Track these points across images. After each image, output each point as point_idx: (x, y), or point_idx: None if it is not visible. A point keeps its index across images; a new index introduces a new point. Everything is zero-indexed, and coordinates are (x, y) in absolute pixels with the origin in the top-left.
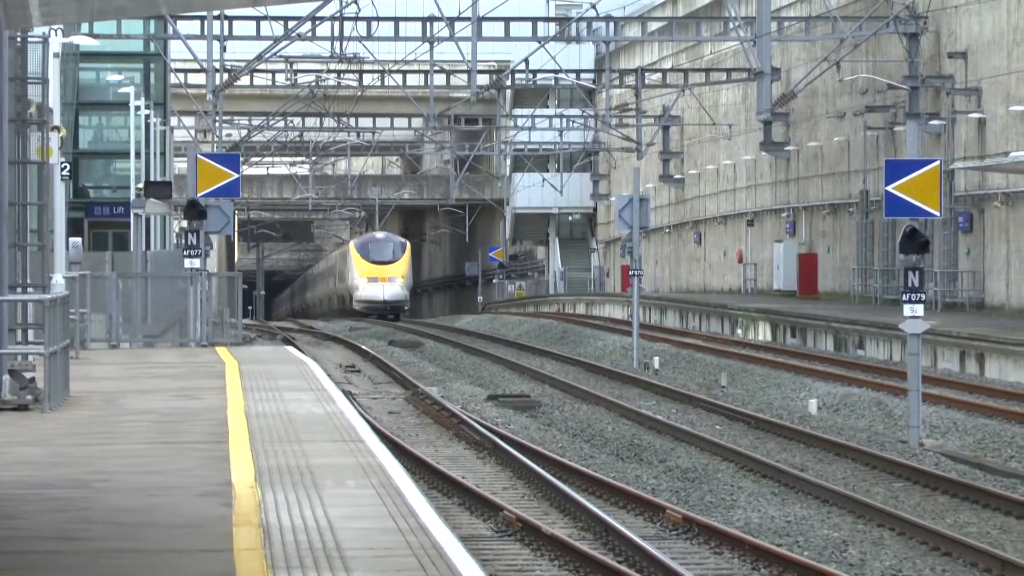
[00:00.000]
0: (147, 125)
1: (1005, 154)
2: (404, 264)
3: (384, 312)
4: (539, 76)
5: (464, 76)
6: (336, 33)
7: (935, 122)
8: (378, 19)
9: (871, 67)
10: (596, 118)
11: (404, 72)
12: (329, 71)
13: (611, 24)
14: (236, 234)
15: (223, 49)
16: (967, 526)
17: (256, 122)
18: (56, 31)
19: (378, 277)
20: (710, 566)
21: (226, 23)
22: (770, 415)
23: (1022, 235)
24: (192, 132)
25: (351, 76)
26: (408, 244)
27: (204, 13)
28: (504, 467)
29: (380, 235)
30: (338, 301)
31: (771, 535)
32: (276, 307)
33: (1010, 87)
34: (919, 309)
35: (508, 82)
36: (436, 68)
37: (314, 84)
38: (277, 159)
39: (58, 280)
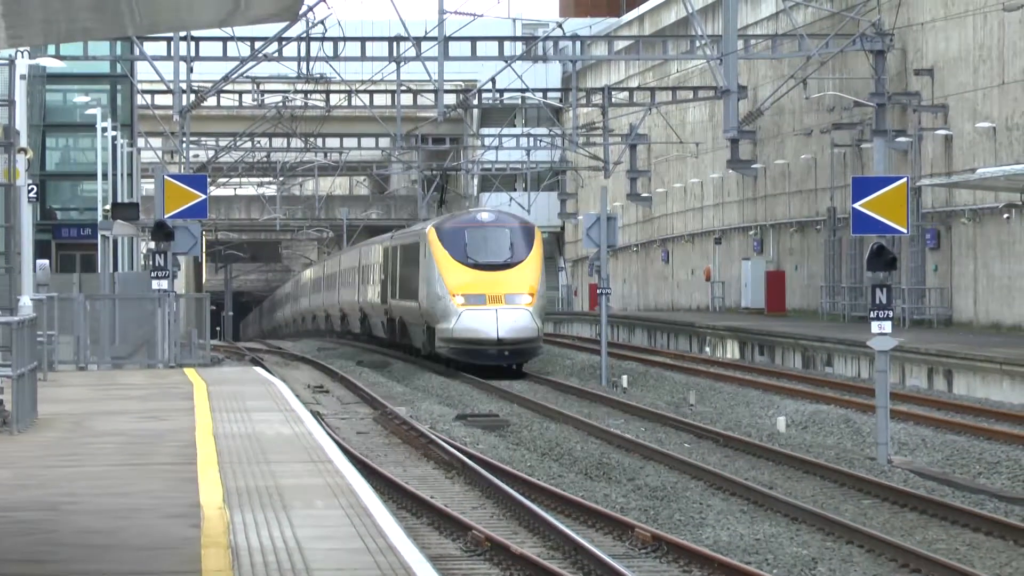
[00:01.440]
0: (114, 146)
1: (972, 171)
2: (532, 270)
3: (498, 361)
4: (506, 95)
5: (431, 96)
6: (303, 53)
7: (902, 139)
8: (344, 39)
9: (838, 84)
10: (563, 137)
11: (371, 92)
12: (296, 91)
13: (577, 43)
14: (204, 255)
15: (190, 70)
16: (936, 543)
17: (223, 143)
18: (22, 53)
19: (486, 295)
20: None
21: (193, 44)
22: (739, 433)
23: (989, 252)
24: (159, 153)
25: (318, 96)
26: (537, 232)
27: (171, 34)
28: (473, 487)
29: (486, 215)
30: (387, 328)
31: (740, 553)
32: (246, 327)
33: (976, 104)
34: (887, 326)
35: (475, 101)
36: (403, 88)
37: (281, 104)
38: (244, 180)
39: (26, 302)
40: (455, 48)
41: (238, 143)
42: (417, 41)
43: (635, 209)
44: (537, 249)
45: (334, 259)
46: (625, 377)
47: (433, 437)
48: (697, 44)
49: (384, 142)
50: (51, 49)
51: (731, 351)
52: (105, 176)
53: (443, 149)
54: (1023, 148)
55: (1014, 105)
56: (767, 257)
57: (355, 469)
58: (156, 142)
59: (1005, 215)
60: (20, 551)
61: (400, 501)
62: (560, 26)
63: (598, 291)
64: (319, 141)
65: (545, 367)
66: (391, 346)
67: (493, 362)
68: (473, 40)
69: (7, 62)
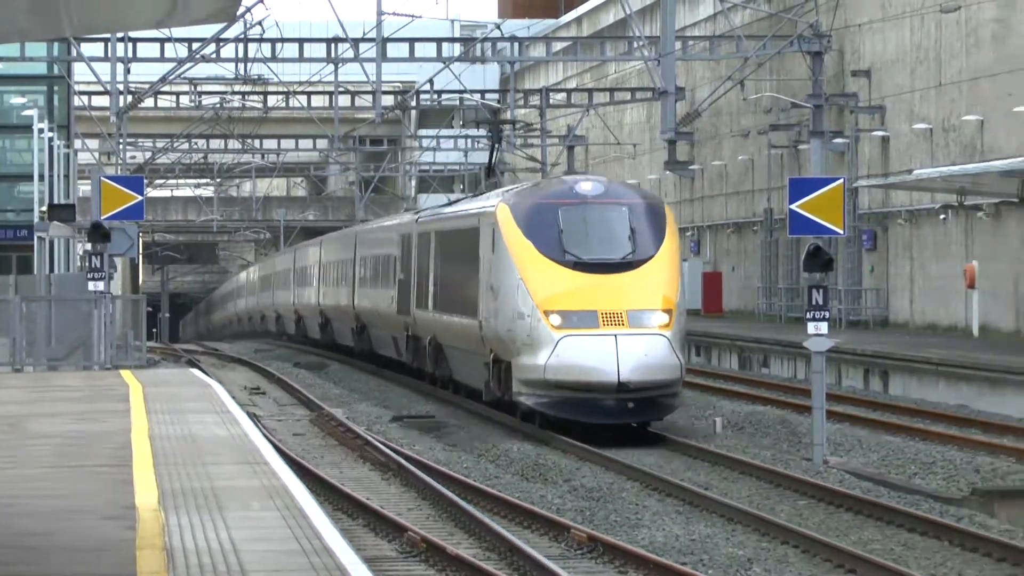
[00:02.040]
0: (51, 148)
1: (909, 172)
2: (668, 271)
3: (619, 418)
4: (444, 97)
5: (369, 97)
6: (240, 54)
7: (839, 140)
8: (282, 40)
9: (775, 86)
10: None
11: (309, 93)
12: (234, 92)
13: (516, 44)
14: (140, 256)
15: (127, 71)
16: (871, 543)
17: (160, 144)
18: None
19: (598, 313)
20: None
21: (130, 45)
22: (675, 434)
23: (926, 253)
24: (96, 154)
25: (256, 97)
26: (668, 212)
27: (108, 35)
28: (409, 488)
29: (589, 185)
30: (410, 344)
31: (676, 554)
32: (184, 328)
33: (913, 105)
34: (823, 327)
35: (413, 103)
36: (341, 89)
37: (218, 106)
38: (181, 181)
39: None
40: (393, 49)
41: (175, 144)
42: (355, 42)
43: None
44: (672, 239)
45: (286, 256)
46: None
47: (369, 439)
48: (635, 45)
49: (322, 143)
50: None
51: None
52: (42, 177)
53: (381, 150)
54: (960, 149)
55: (951, 106)
56: (704, 258)
57: (291, 471)
58: (93, 143)
59: (941, 216)
60: None
61: (336, 503)
62: (498, 27)
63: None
64: (256, 142)
65: None
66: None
67: (610, 419)
68: (411, 41)
69: None
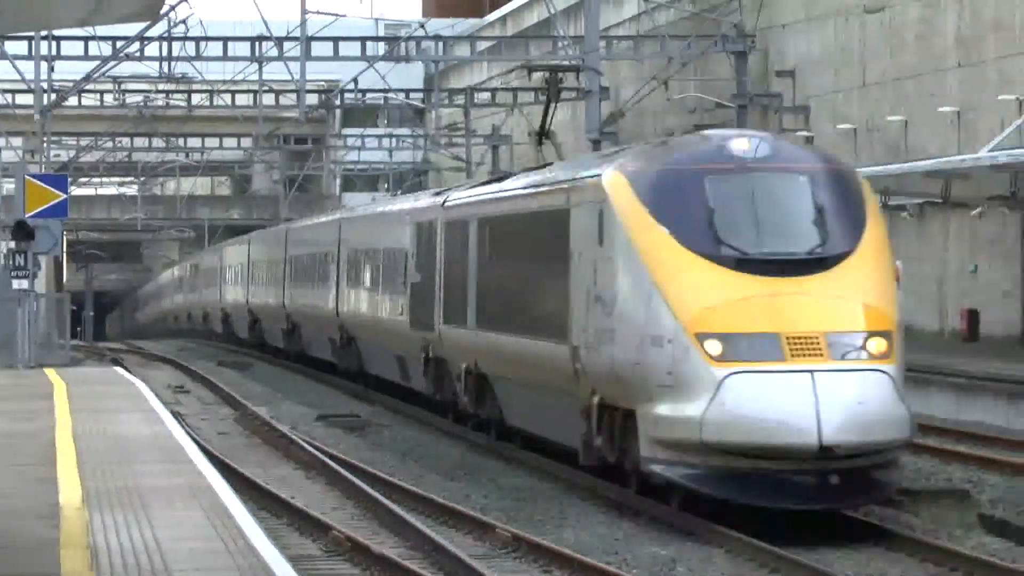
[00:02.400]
0: None
1: None
2: (878, 271)
3: (820, 501)
4: (368, 96)
5: (293, 96)
6: (164, 53)
7: None
8: (207, 39)
9: (699, 86)
10: (426, 137)
11: (233, 92)
12: (158, 91)
13: (440, 44)
14: (64, 255)
15: (51, 69)
16: (795, 544)
17: (85, 142)
18: None
19: (780, 337)
20: None
21: (54, 43)
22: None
23: None
24: (20, 152)
25: (180, 96)
26: (866, 185)
27: (32, 33)
28: (333, 487)
29: (746, 142)
30: (431, 370)
31: (599, 553)
32: (112, 326)
33: (837, 105)
34: None
35: (337, 102)
36: (265, 88)
37: (143, 104)
38: (105, 179)
39: None
40: (317, 48)
41: (99, 143)
42: (279, 41)
43: None
44: (877, 224)
45: (233, 249)
46: None
47: (294, 437)
48: (559, 45)
49: (246, 142)
50: None
51: None
52: None
53: (305, 149)
54: (884, 150)
55: (874, 107)
56: None
57: (215, 470)
58: (17, 141)
59: None
60: None
61: (260, 501)
62: (422, 26)
63: None
64: (181, 141)
65: None
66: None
67: (806, 503)
68: (335, 40)
69: None
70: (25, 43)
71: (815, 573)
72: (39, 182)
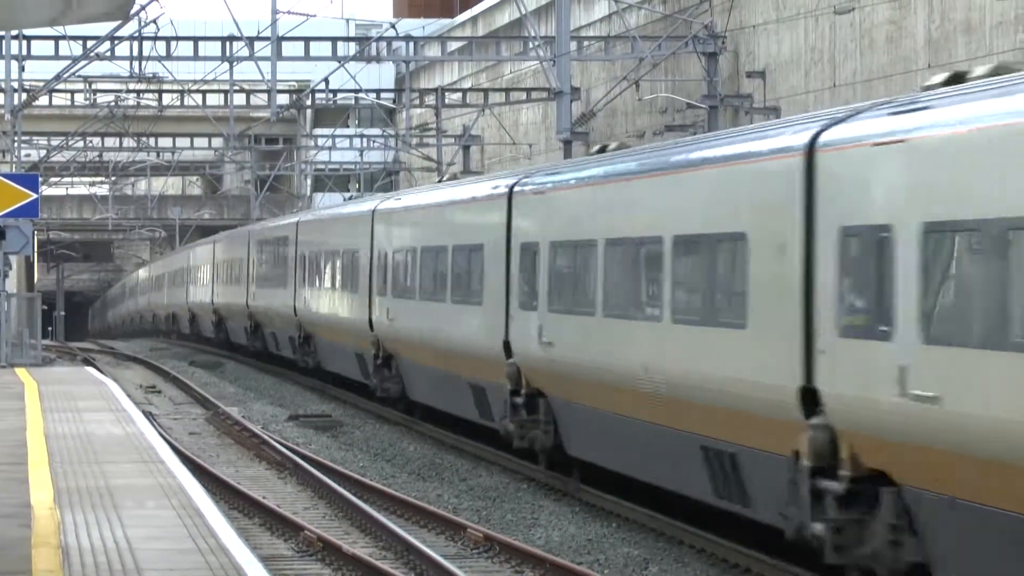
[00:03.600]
0: None
1: None
2: None
3: None
4: (339, 96)
5: (264, 96)
6: (135, 53)
7: None
8: (177, 39)
9: (670, 86)
10: (397, 138)
11: (204, 92)
12: (128, 91)
13: (411, 44)
14: (35, 254)
15: (21, 69)
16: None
17: (55, 142)
18: None
19: None
20: None
21: (24, 43)
22: None
23: None
24: None
25: (151, 96)
26: None
27: (2, 33)
28: (305, 487)
29: None
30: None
31: (571, 553)
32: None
33: (808, 106)
34: None
35: (308, 102)
36: (236, 88)
37: (113, 104)
38: (76, 179)
39: None
40: (288, 48)
41: (70, 142)
42: (250, 41)
43: None
44: None
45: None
46: None
47: (265, 437)
48: (530, 45)
49: (217, 142)
50: None
51: None
52: None
53: (276, 149)
54: None
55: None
56: None
57: (187, 469)
58: None
59: None
60: None
61: (232, 501)
62: (393, 27)
63: None
64: (152, 141)
65: None
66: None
67: None
68: (306, 40)
69: None
70: None
71: (786, 574)
72: (10, 182)
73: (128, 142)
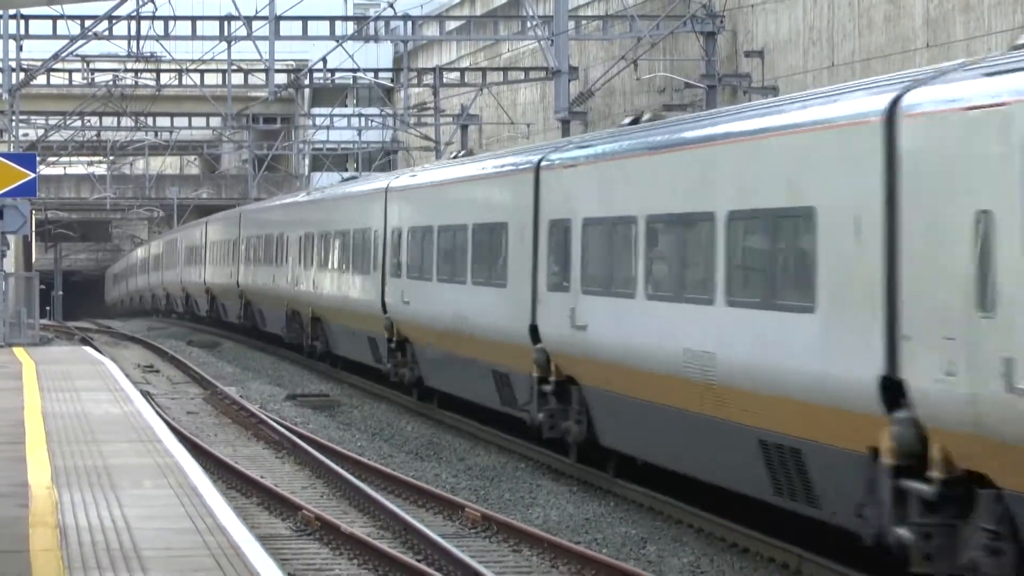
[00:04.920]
0: None
1: None
2: None
3: None
4: (337, 75)
5: (262, 75)
6: (133, 32)
7: None
8: (175, 18)
9: (668, 66)
10: (394, 117)
11: (202, 71)
12: (126, 70)
13: (409, 23)
14: (33, 234)
15: (19, 48)
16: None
17: (53, 121)
18: None
19: None
20: (509, 563)
21: (22, 22)
22: None
23: None
24: None
25: (148, 75)
26: None
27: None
28: (303, 466)
29: None
30: None
31: (569, 533)
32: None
33: (806, 85)
34: None
35: (306, 81)
36: (234, 67)
37: (111, 83)
38: (74, 159)
39: None
40: (286, 27)
41: (68, 122)
42: (248, 20)
43: None
44: None
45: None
46: None
47: (263, 417)
48: (528, 25)
49: (215, 122)
50: None
51: None
52: None
53: (274, 129)
54: None
55: None
56: None
57: (184, 449)
58: None
59: None
60: None
61: (230, 481)
62: (391, 6)
63: None
64: (149, 120)
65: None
66: None
67: None
68: (304, 20)
69: None
70: None
71: (784, 552)
72: (8, 161)
73: (126, 121)
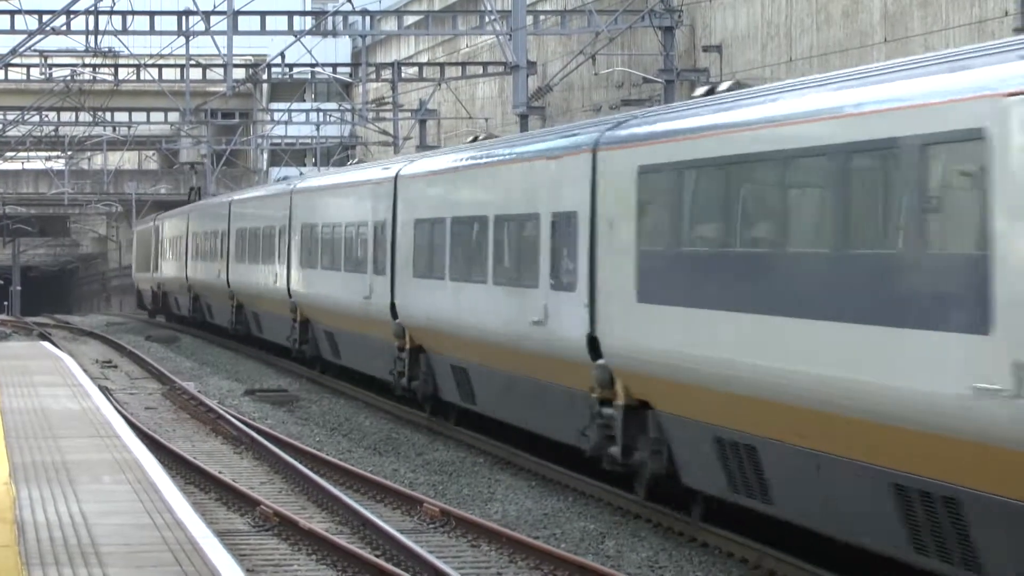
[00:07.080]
0: None
1: None
2: None
3: None
4: (296, 70)
5: (220, 70)
6: (91, 27)
7: None
8: (133, 13)
9: (627, 61)
10: (353, 112)
11: (160, 66)
12: (84, 65)
13: (367, 18)
14: None
15: None
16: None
17: (11, 117)
18: None
19: None
20: (468, 559)
21: None
22: None
23: None
24: None
25: (107, 70)
26: None
27: None
28: (261, 461)
29: None
30: None
31: (528, 528)
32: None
33: (764, 80)
34: None
35: (264, 76)
36: (192, 62)
37: (69, 78)
38: (32, 154)
39: None
40: (244, 22)
41: (26, 117)
42: (206, 15)
43: None
44: None
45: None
46: None
47: (221, 412)
48: (487, 19)
49: (173, 117)
50: None
51: None
52: None
53: (232, 124)
54: None
55: None
56: None
57: (143, 444)
58: None
59: None
60: None
61: (188, 476)
62: (350, 1)
63: None
64: (108, 115)
65: None
66: None
67: None
68: (262, 14)
69: None
70: None
71: (743, 547)
72: None
73: (84, 116)
